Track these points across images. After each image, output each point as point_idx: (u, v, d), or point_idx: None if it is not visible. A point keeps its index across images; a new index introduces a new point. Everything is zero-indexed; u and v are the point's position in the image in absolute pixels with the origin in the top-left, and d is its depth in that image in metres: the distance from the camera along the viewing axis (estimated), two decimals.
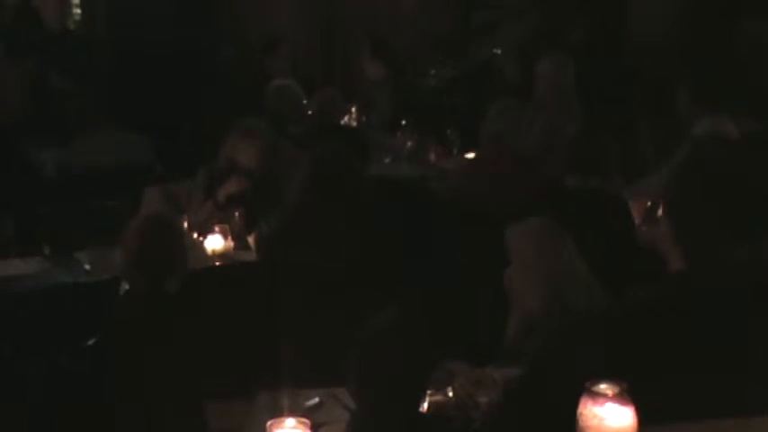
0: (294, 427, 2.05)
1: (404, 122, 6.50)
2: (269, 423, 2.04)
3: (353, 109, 6.68)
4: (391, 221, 4.10)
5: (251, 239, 4.40)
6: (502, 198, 4.35)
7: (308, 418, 2.07)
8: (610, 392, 1.68)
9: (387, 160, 6.14)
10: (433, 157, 6.07)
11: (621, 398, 1.68)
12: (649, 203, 1.95)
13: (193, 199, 4.72)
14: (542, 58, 5.95)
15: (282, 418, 2.07)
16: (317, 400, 2.80)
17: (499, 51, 7.94)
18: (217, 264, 4.35)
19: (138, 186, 5.12)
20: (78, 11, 10.22)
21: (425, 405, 2.54)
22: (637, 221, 4.02)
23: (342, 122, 6.35)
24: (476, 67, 7.97)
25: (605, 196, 4.06)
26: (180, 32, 8.46)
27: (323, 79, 7.32)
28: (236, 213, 4.56)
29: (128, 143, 6.00)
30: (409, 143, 6.23)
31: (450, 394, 2.71)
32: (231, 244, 4.39)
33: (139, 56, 8.14)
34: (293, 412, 2.42)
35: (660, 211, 1.91)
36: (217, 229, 4.39)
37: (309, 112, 6.15)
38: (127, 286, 3.34)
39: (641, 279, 1.88)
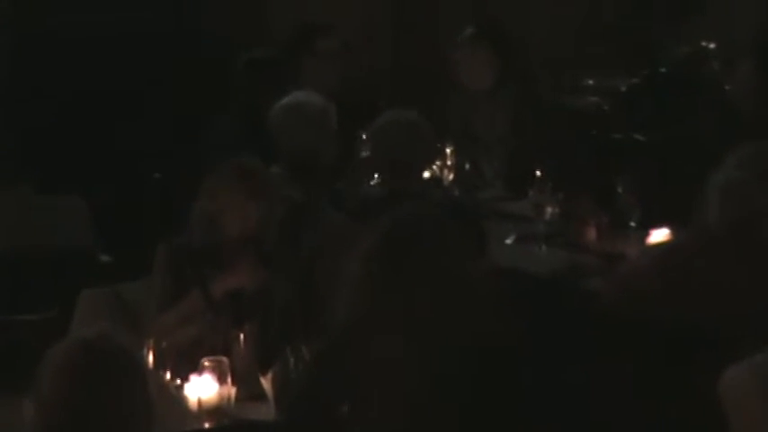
0: None
1: (538, 173, 6.50)
2: None
3: (448, 151, 6.80)
4: (519, 343, 4.16)
5: (265, 381, 4.45)
6: (717, 312, 4.43)
7: None
8: None
9: (509, 240, 6.22)
10: (592, 235, 6.10)
11: None
12: None
13: (154, 300, 4.82)
14: None
15: None
16: None
17: (713, 45, 7.92)
18: (206, 425, 4.40)
19: (69, 286, 5.27)
20: None
21: None
22: None
23: (428, 175, 6.44)
24: (670, 74, 8.08)
25: None
26: (138, 15, 8.55)
27: (390, 99, 7.31)
28: (241, 335, 4.63)
29: (54, 213, 6.17)
30: (549, 210, 6.29)
31: None
32: (232, 390, 4.42)
33: (72, 54, 8.27)
34: None
35: None
36: (206, 363, 4.42)
37: (364, 154, 6.25)
38: None
39: None
